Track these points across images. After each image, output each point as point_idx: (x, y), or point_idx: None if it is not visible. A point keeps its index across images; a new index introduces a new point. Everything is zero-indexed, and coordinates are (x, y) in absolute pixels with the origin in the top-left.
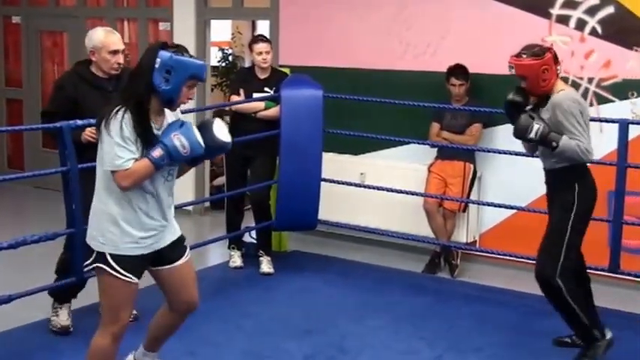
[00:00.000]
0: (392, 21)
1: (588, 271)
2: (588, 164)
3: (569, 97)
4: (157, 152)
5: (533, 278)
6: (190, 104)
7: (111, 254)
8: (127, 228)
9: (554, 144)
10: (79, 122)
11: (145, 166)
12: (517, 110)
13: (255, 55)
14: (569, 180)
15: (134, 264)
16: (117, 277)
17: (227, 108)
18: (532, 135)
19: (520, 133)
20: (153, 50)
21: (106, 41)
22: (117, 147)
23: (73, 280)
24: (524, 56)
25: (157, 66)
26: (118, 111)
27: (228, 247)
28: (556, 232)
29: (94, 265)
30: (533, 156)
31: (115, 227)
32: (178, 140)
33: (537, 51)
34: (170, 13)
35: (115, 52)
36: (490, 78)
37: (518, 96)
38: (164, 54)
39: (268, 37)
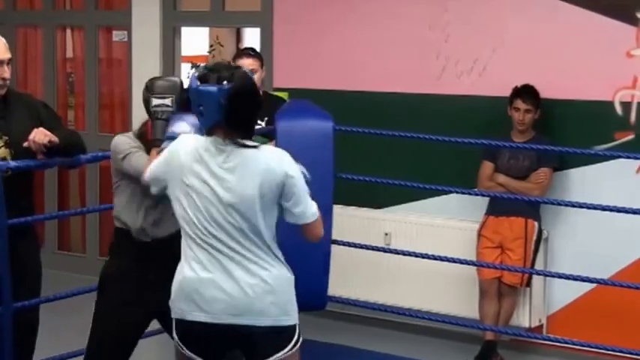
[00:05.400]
0: (425, 30)
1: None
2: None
3: None
4: None
5: None
6: None
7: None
8: None
9: None
10: (12, 164)
11: None
12: None
13: None
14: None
15: None
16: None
17: None
18: None
19: None
20: None
21: None
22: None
23: None
24: None
25: None
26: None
27: None
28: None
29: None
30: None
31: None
32: None
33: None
34: (128, 18)
35: None
36: (560, 105)
37: None
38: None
39: (259, 50)
